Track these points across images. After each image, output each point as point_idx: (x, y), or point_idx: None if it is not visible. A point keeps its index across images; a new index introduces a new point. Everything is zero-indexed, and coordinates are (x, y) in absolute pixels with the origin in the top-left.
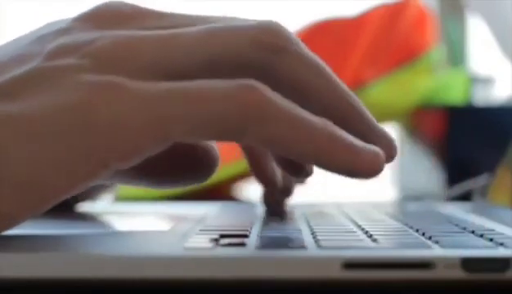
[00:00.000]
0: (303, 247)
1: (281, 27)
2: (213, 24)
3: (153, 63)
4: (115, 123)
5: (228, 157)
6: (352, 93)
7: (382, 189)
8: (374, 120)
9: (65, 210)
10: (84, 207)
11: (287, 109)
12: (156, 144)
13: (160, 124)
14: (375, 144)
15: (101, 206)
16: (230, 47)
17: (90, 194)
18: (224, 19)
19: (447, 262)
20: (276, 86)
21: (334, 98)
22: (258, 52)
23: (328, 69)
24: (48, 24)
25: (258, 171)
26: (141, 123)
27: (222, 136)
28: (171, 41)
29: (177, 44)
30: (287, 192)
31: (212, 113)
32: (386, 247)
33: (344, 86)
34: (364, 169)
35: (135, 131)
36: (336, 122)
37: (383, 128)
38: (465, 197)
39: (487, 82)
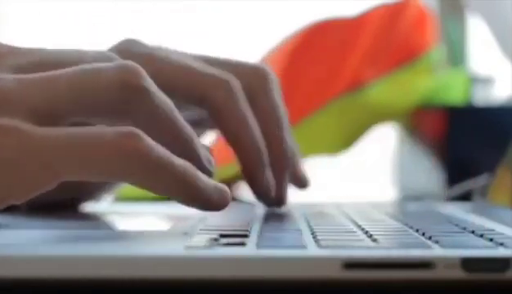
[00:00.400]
0: (303, 246)
1: (139, 67)
2: (80, 67)
3: (36, 107)
4: (10, 166)
5: (228, 157)
6: (181, 127)
7: (382, 189)
8: (193, 142)
9: (68, 210)
10: (87, 207)
11: (162, 154)
12: (46, 185)
13: (49, 168)
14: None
15: (102, 206)
16: (97, 90)
17: (93, 195)
18: (85, 54)
19: (447, 262)
20: (140, 123)
21: (173, 135)
22: (120, 92)
23: (176, 111)
24: None
25: (253, 183)
26: (31, 167)
27: (108, 179)
28: (47, 85)
29: (53, 87)
30: (280, 202)
31: (95, 159)
32: (386, 247)
33: (178, 124)
34: (213, 206)
35: (26, 174)
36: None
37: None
38: (465, 197)
39: (487, 82)
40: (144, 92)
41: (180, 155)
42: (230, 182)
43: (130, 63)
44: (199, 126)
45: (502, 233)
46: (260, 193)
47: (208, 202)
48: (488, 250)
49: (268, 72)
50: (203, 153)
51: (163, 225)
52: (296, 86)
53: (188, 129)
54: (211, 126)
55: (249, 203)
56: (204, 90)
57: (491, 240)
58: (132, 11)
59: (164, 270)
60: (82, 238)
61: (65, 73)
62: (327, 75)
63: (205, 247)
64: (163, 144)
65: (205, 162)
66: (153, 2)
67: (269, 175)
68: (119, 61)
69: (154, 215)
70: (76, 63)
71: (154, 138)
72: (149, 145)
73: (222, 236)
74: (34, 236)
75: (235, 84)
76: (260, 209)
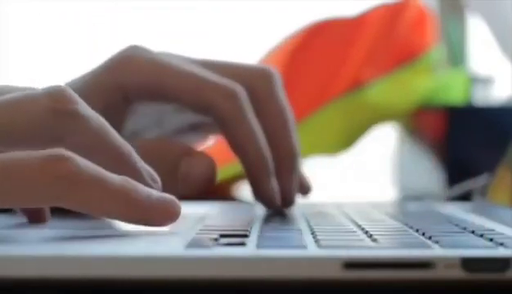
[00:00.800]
0: (303, 247)
1: (68, 91)
2: (8, 97)
3: None
4: None
5: (228, 157)
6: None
7: (382, 189)
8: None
9: (68, 210)
10: None
11: (93, 173)
12: None
13: None
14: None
15: None
16: (27, 119)
17: None
18: (12, 88)
19: (447, 262)
20: (75, 147)
21: (109, 155)
22: (53, 119)
23: (110, 129)
24: None
25: (258, 191)
26: None
27: (39, 204)
28: None
29: None
30: (289, 203)
31: (23, 185)
32: (386, 247)
33: (114, 143)
34: (156, 221)
35: None
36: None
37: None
38: (465, 197)
39: (487, 82)
40: (76, 116)
41: (119, 173)
42: (230, 182)
43: (59, 87)
44: (201, 130)
45: (502, 233)
46: (265, 200)
47: (150, 215)
48: (488, 250)
49: (273, 73)
50: (144, 169)
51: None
52: (296, 86)
53: (126, 146)
54: (212, 131)
55: (249, 203)
56: (210, 100)
57: (491, 240)
58: (132, 12)
59: (164, 270)
60: (82, 238)
61: None
62: (327, 75)
63: (205, 247)
64: (101, 165)
65: (147, 178)
66: (153, 2)
67: (274, 182)
68: (48, 87)
69: None
70: (4, 93)
71: (90, 160)
72: (78, 165)
73: (222, 236)
74: (34, 236)
75: (241, 93)
76: (260, 209)
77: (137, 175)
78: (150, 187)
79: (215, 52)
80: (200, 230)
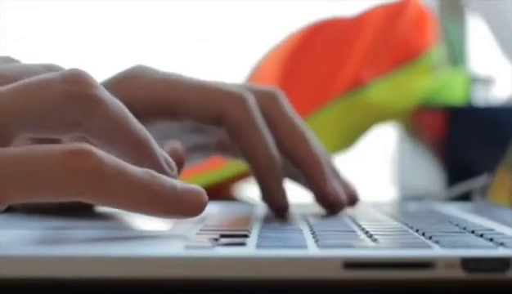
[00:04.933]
0: (303, 247)
1: (85, 74)
2: (24, 82)
3: None
4: None
5: None
6: (140, 135)
7: (382, 189)
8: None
9: (84, 210)
10: (88, 207)
11: (116, 167)
12: None
13: None
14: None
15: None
16: (45, 103)
17: None
18: (28, 68)
19: (447, 262)
20: (93, 132)
21: (128, 141)
22: (68, 102)
23: (129, 114)
24: None
25: (269, 196)
26: None
27: (61, 198)
28: None
29: None
30: (340, 207)
31: (45, 179)
32: (386, 247)
33: (133, 129)
34: (183, 213)
35: None
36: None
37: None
38: (465, 197)
39: (487, 82)
40: (93, 100)
41: (137, 161)
42: (230, 182)
43: (76, 71)
44: (203, 150)
45: (502, 233)
46: (275, 205)
47: (176, 208)
48: (488, 250)
49: (277, 91)
50: (162, 156)
51: (163, 225)
52: (296, 87)
53: (144, 132)
54: (214, 152)
55: (249, 203)
56: (221, 108)
57: (491, 240)
58: (132, 12)
59: (164, 270)
60: (82, 239)
61: (8, 90)
62: (327, 75)
63: (205, 247)
64: (120, 151)
65: (165, 165)
66: (152, 3)
67: (284, 188)
68: (65, 70)
69: None
70: (20, 77)
71: (108, 146)
72: (101, 159)
73: (222, 236)
74: (34, 236)
75: (251, 100)
76: (260, 209)
77: (156, 163)
78: (168, 175)
79: (215, 52)
80: (200, 230)
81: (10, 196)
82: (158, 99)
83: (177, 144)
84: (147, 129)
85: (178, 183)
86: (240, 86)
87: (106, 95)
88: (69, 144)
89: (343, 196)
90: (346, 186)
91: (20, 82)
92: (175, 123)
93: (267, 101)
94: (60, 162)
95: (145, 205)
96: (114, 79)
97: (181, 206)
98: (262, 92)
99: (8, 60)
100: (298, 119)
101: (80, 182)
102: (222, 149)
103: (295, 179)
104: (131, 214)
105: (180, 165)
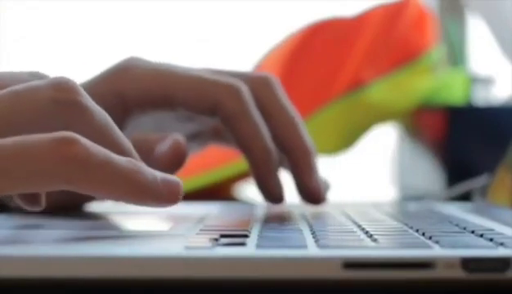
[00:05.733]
0: (303, 247)
1: (72, 81)
2: (11, 89)
3: None
4: None
5: (227, 157)
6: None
7: (382, 189)
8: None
9: (73, 209)
10: (88, 207)
11: (101, 155)
12: None
13: None
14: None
15: (103, 206)
16: (31, 110)
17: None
18: (16, 75)
19: (447, 262)
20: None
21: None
22: (55, 108)
23: (112, 123)
24: None
25: (263, 186)
26: None
27: (49, 187)
28: None
29: None
30: (320, 199)
31: (32, 168)
32: (386, 247)
33: (116, 137)
34: (162, 201)
35: None
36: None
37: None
38: (465, 197)
39: (487, 82)
40: (79, 107)
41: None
42: (230, 182)
43: (63, 79)
44: (199, 139)
45: (502, 233)
46: (270, 195)
47: (157, 196)
48: (488, 250)
49: (272, 79)
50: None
51: (163, 225)
52: (296, 87)
53: (127, 144)
54: (210, 140)
55: (249, 203)
56: (215, 98)
57: (491, 240)
58: (132, 12)
59: (164, 270)
60: (82, 239)
61: None
62: (327, 75)
63: (205, 247)
64: None
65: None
66: (152, 3)
67: (279, 178)
68: (52, 78)
69: (154, 215)
70: (8, 84)
71: None
72: (87, 147)
73: (222, 236)
74: (34, 236)
75: (245, 90)
76: (260, 209)
77: None
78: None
79: (215, 52)
80: (200, 230)
81: (1, 187)
82: (152, 90)
83: (179, 137)
84: (142, 119)
85: (158, 172)
86: (233, 74)
87: (91, 104)
88: (56, 133)
89: (323, 191)
90: (322, 181)
91: (9, 88)
92: (170, 112)
93: (260, 88)
94: (47, 149)
95: (130, 193)
96: (109, 72)
97: (162, 195)
98: (255, 79)
99: (37, 75)
100: (290, 106)
101: (67, 170)
102: (218, 136)
103: (280, 163)
104: (124, 211)
105: (182, 158)
